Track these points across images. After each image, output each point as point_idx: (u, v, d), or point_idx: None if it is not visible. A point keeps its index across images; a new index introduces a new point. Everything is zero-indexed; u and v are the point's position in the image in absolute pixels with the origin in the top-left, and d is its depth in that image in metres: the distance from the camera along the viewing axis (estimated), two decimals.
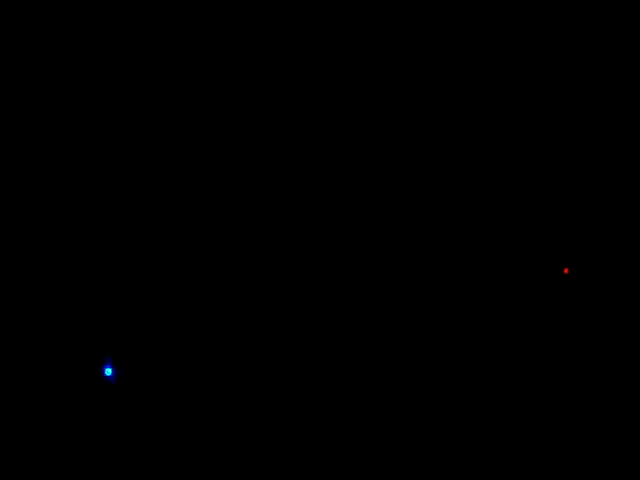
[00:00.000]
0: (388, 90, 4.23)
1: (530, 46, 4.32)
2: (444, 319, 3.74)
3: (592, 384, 3.61)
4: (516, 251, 3.84)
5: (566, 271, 3.67)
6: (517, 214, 3.90)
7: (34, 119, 3.93)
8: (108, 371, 3.43)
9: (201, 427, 3.28)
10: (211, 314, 3.59)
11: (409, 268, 3.91)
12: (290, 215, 3.99)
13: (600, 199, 3.85)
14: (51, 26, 3.91)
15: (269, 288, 3.74)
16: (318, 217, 4.02)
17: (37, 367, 3.54)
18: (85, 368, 3.60)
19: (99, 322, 3.64)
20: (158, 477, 3.18)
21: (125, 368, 3.46)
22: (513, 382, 3.64)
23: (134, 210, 3.76)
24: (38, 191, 3.77)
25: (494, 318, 3.74)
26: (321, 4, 4.32)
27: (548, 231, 3.82)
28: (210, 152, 4.09)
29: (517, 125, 4.07)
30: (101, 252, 3.70)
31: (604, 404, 3.57)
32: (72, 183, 3.85)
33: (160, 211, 3.84)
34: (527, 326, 3.78)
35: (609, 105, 4.00)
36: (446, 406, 3.57)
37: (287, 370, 3.60)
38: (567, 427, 3.57)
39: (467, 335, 3.71)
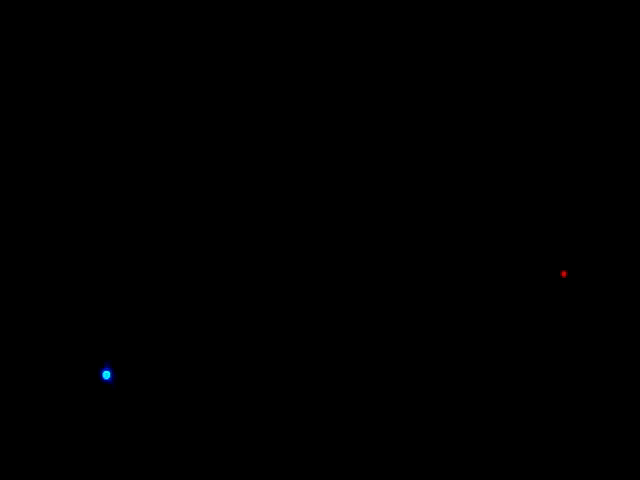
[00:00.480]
0: (388, 90, 4.24)
1: (530, 47, 4.32)
2: (444, 320, 3.74)
3: (591, 386, 3.62)
4: (514, 253, 3.85)
5: (564, 274, 3.67)
6: (516, 215, 3.90)
7: (34, 119, 3.93)
8: (107, 374, 3.44)
9: (200, 429, 3.30)
10: (210, 316, 3.60)
11: (409, 268, 3.92)
12: (290, 215, 4.00)
13: (599, 200, 3.85)
14: (51, 26, 3.92)
15: (268, 289, 3.75)
16: (318, 217, 4.03)
17: (36, 370, 3.56)
18: (84, 371, 3.61)
19: (98, 325, 3.65)
20: (157, 478, 3.19)
21: (123, 371, 3.47)
22: (512, 384, 3.65)
23: (134, 210, 3.76)
24: (38, 191, 3.78)
25: (493, 320, 3.74)
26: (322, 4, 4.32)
27: (546, 233, 3.82)
28: (210, 152, 4.09)
29: (517, 125, 4.07)
30: (100, 254, 3.70)
31: (604, 405, 3.58)
32: (72, 183, 3.86)
33: (160, 211, 3.85)
34: (526, 328, 3.80)
35: (609, 105, 4.00)
36: (445, 406, 3.58)
37: (287, 370, 3.61)
38: (567, 428, 3.58)
39: (466, 336, 3.72)
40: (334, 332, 3.75)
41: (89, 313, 3.61)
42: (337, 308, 3.81)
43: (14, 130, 3.93)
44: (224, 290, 3.71)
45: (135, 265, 3.69)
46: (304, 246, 3.98)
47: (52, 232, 3.71)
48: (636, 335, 3.67)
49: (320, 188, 4.08)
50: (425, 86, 4.28)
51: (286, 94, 4.29)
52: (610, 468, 3.47)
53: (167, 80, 4.10)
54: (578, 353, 3.70)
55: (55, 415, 3.33)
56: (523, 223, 3.91)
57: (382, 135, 4.21)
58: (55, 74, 3.99)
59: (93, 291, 3.67)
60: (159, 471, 3.20)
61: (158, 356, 3.60)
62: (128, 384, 3.43)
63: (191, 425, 3.32)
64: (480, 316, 3.76)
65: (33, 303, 3.59)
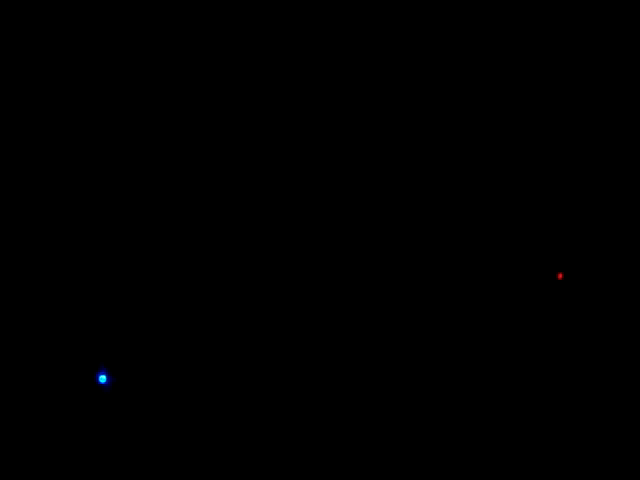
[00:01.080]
0: (389, 90, 4.23)
1: (530, 46, 4.30)
2: (442, 322, 3.74)
3: (589, 388, 3.62)
4: (512, 255, 3.85)
5: (560, 276, 3.67)
6: (514, 218, 3.90)
7: (34, 119, 3.94)
8: (103, 378, 3.45)
9: (197, 433, 3.31)
10: (208, 319, 3.61)
11: (408, 270, 3.92)
12: (290, 215, 4.00)
13: (596, 202, 3.84)
14: (51, 26, 3.92)
15: (267, 292, 3.75)
16: (318, 217, 4.03)
17: (33, 373, 3.58)
18: (80, 375, 3.63)
19: (94, 328, 3.66)
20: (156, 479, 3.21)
21: (119, 375, 3.49)
22: (511, 385, 3.65)
23: (131, 212, 3.77)
24: (38, 191, 3.79)
25: (490, 322, 3.74)
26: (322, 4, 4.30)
27: (543, 235, 3.82)
28: (210, 152, 4.09)
29: (516, 126, 4.06)
30: (97, 258, 3.71)
31: (602, 406, 3.58)
32: (71, 183, 3.87)
33: (158, 213, 3.86)
34: (523, 330, 3.79)
35: (609, 106, 3.99)
36: (445, 408, 3.59)
37: (287, 372, 3.62)
38: (566, 430, 3.58)
39: (464, 338, 3.72)
40: (334, 332, 3.76)
41: (87, 316, 3.62)
42: (337, 308, 3.81)
43: (14, 130, 3.94)
44: (223, 291, 3.71)
45: (133, 267, 3.70)
46: (304, 246, 3.98)
47: (51, 233, 3.72)
48: (635, 336, 3.67)
49: (319, 188, 4.08)
50: (425, 87, 4.27)
51: (286, 94, 4.29)
52: (610, 468, 3.48)
53: (167, 80, 4.10)
54: (576, 354, 3.70)
55: (52, 418, 3.35)
56: (522, 224, 3.90)
57: (382, 135, 4.20)
58: (55, 74, 3.99)
59: (91, 294, 3.69)
60: (157, 473, 3.22)
61: (156, 359, 3.61)
62: (124, 388, 3.44)
63: (189, 428, 3.33)
64: (479, 317, 3.76)
65: (32, 305, 3.61)
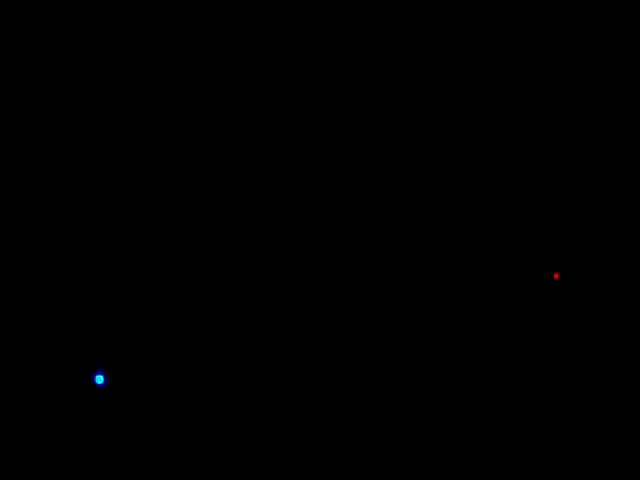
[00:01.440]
0: (388, 90, 4.23)
1: (530, 46, 4.30)
2: (439, 322, 3.75)
3: (586, 388, 3.63)
4: (509, 255, 3.85)
5: (557, 276, 3.67)
6: (510, 217, 3.91)
7: (34, 119, 3.95)
8: (100, 378, 3.46)
9: (194, 434, 3.31)
10: (206, 320, 3.61)
11: (406, 269, 3.93)
12: (289, 215, 4.01)
13: (593, 203, 3.85)
14: (51, 26, 3.93)
15: (267, 295, 3.76)
16: (317, 218, 4.03)
17: (30, 374, 3.58)
18: (77, 375, 3.64)
19: (91, 329, 3.67)
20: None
21: (117, 376, 3.49)
22: (508, 385, 3.66)
23: (130, 212, 3.78)
24: (38, 191, 3.79)
25: (487, 322, 3.75)
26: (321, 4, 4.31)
27: (540, 235, 3.83)
28: (210, 152, 4.10)
29: (515, 126, 4.06)
30: (94, 258, 3.72)
31: (601, 407, 3.59)
32: (72, 183, 3.87)
33: (157, 213, 3.86)
34: (520, 331, 3.80)
35: (609, 107, 3.99)
36: (443, 407, 3.59)
37: (286, 373, 3.62)
38: (564, 430, 3.59)
39: (462, 338, 3.73)
40: (333, 332, 3.77)
41: (84, 316, 3.63)
42: (336, 308, 3.82)
43: (14, 130, 3.94)
44: (222, 292, 3.72)
45: (130, 267, 3.71)
46: (304, 247, 3.99)
47: (51, 232, 3.73)
48: (634, 336, 3.68)
49: (320, 188, 4.08)
50: (425, 87, 4.27)
51: (286, 94, 4.29)
52: (610, 468, 3.49)
53: (167, 80, 4.10)
54: (575, 355, 3.71)
55: (49, 419, 3.36)
56: (520, 224, 3.91)
57: (382, 135, 4.20)
58: (55, 74, 4.00)
59: (88, 294, 3.69)
60: (157, 472, 3.23)
61: (153, 360, 3.62)
62: (121, 388, 3.45)
63: (186, 429, 3.34)
64: (478, 317, 3.76)
65: (29, 306, 3.61)
